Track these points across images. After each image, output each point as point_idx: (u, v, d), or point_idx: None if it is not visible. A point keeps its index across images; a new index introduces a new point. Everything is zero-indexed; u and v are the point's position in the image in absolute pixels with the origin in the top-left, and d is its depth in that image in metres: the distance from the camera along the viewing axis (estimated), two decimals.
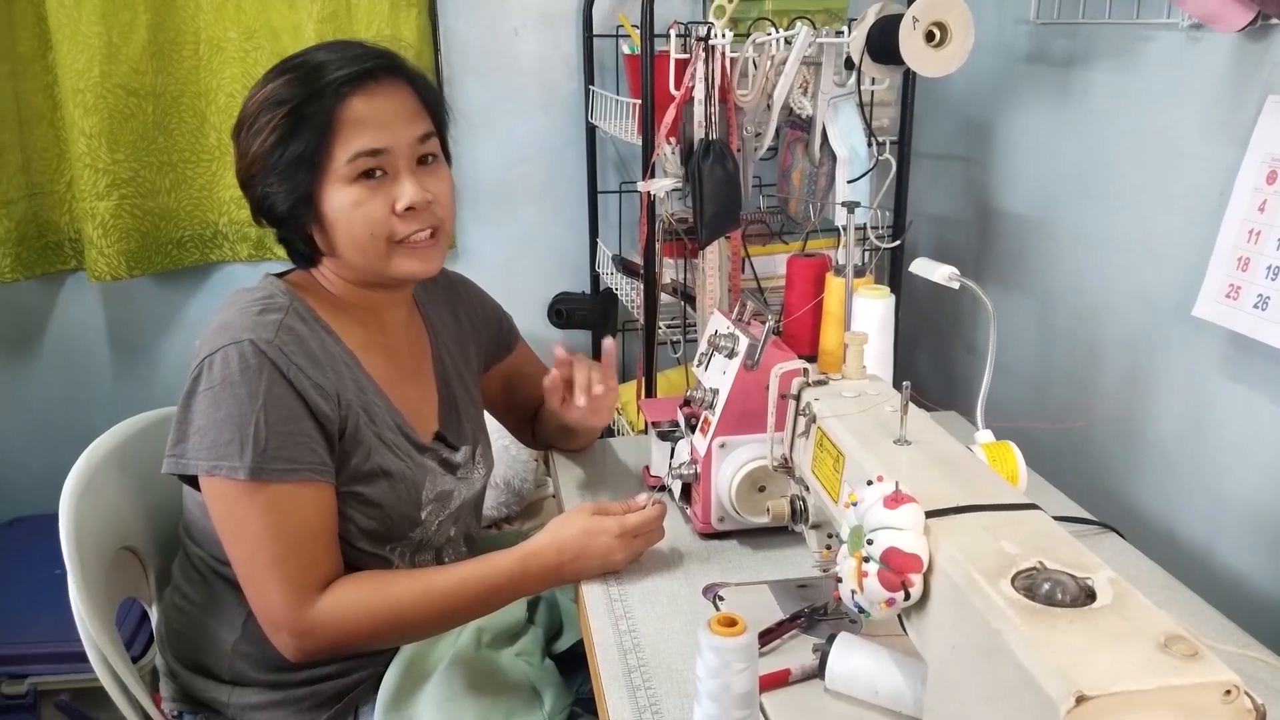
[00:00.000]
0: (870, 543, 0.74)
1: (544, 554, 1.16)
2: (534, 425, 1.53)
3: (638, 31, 1.67)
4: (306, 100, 1.10)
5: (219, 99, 2.04)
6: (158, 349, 2.20)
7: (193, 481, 1.11)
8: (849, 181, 1.64)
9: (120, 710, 1.18)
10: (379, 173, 1.12)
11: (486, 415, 1.45)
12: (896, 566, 0.73)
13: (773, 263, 1.83)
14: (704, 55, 1.54)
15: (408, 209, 1.13)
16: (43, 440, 2.17)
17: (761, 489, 1.24)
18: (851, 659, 0.97)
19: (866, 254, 1.63)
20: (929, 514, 0.76)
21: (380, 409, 1.18)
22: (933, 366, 2.08)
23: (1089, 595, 0.67)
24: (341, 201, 1.12)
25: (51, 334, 2.16)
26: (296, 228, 1.16)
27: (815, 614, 1.11)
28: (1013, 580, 0.69)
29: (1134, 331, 1.51)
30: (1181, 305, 1.39)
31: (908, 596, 0.73)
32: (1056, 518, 0.79)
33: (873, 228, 1.63)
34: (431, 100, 1.21)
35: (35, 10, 1.91)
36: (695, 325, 1.78)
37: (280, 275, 1.22)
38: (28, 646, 1.70)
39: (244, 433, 1.05)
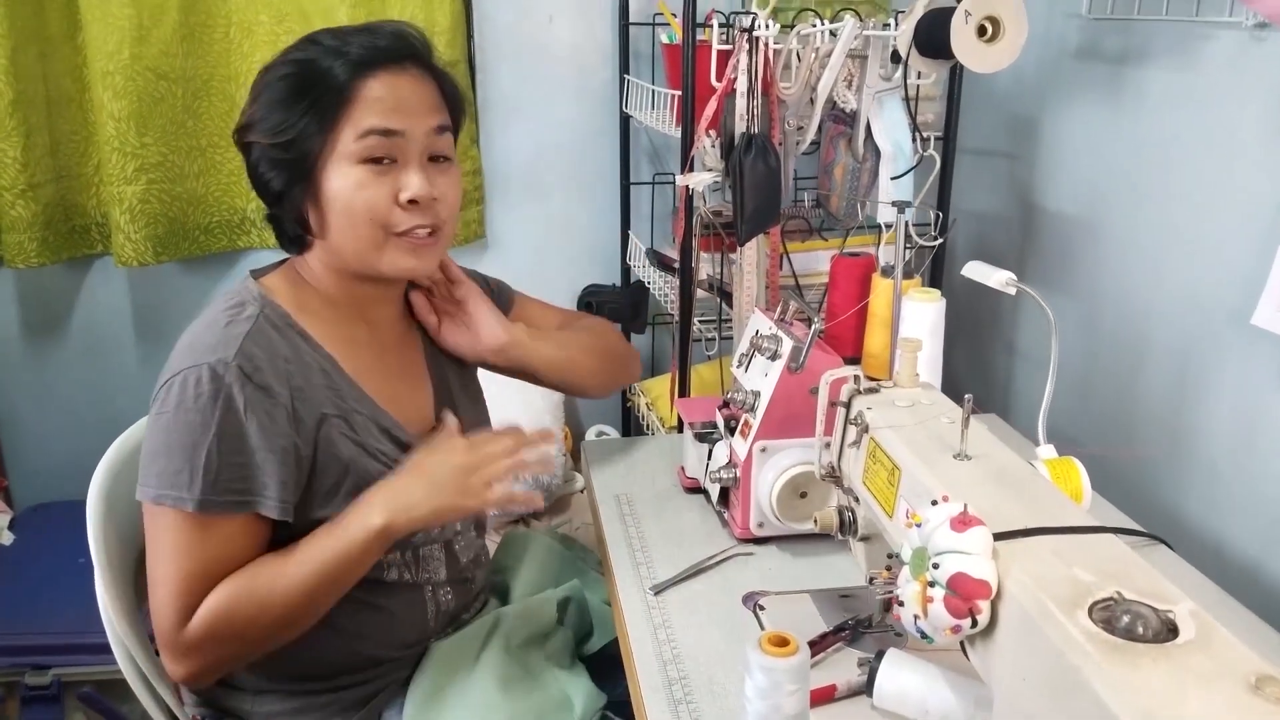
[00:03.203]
0: (936, 567, 0.71)
1: (392, 481, 1.09)
2: None
3: (678, 20, 1.63)
4: (326, 66, 1.06)
5: (249, 83, 1.99)
6: None
7: None
8: (893, 178, 1.60)
9: (143, 704, 1.17)
10: (387, 160, 1.08)
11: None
12: (964, 593, 0.69)
13: (812, 260, 1.79)
14: (747, 46, 1.50)
15: (411, 201, 1.08)
16: (67, 426, 2.16)
17: (803, 495, 1.21)
18: (901, 676, 0.94)
19: (909, 252, 1.59)
20: (996, 536, 0.73)
21: (362, 416, 1.12)
22: (971, 366, 2.04)
23: (1171, 630, 0.64)
24: (344, 181, 1.06)
25: (77, 319, 2.14)
26: (290, 205, 1.10)
27: (860, 626, 1.08)
28: (1090, 611, 0.65)
29: (1185, 337, 1.46)
30: (1236, 312, 1.35)
31: (974, 624, 0.70)
32: (1104, 528, 0.76)
33: (916, 225, 1.59)
34: (453, 97, 1.16)
35: None
36: (730, 322, 1.74)
37: (262, 273, 1.17)
38: (52, 637, 1.68)
39: (194, 463, 1.01)
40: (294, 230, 1.13)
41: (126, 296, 2.14)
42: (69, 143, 1.98)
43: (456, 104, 1.18)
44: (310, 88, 1.07)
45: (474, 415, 1.31)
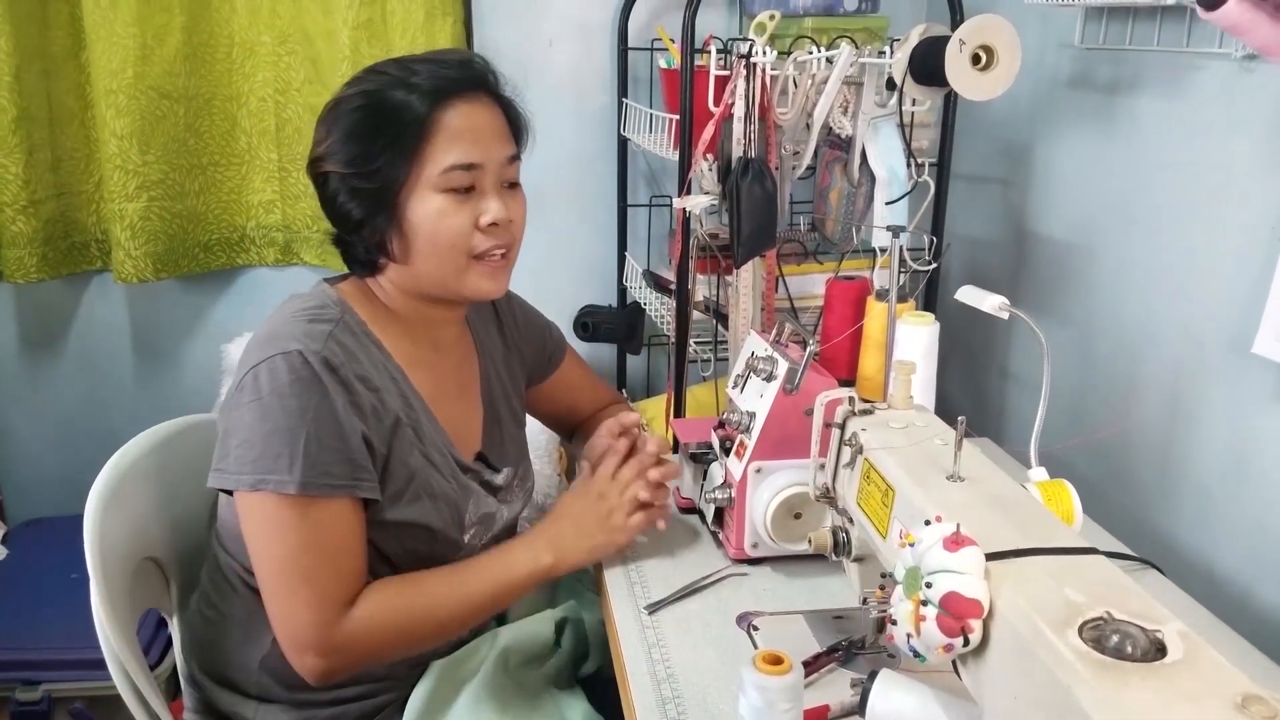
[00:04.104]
0: (929, 586, 0.72)
1: (549, 526, 1.22)
2: (574, 433, 1.53)
3: (676, 45, 1.65)
4: (401, 99, 1.10)
5: (250, 103, 2.03)
6: (182, 352, 2.18)
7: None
8: (888, 203, 1.61)
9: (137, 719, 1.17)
10: (469, 188, 1.12)
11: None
12: (956, 612, 0.70)
13: (807, 282, 1.81)
14: (745, 72, 1.52)
15: (491, 224, 1.13)
16: (63, 441, 2.16)
17: (798, 516, 1.22)
18: (894, 697, 0.94)
19: (903, 276, 1.61)
20: (988, 556, 0.74)
21: (428, 427, 1.17)
22: (964, 389, 2.05)
23: (1159, 649, 0.65)
24: (428, 209, 1.11)
25: (75, 335, 2.14)
26: (370, 231, 1.13)
27: (853, 647, 1.08)
28: (1080, 630, 0.66)
29: (1177, 364, 1.48)
30: (1229, 339, 1.36)
31: (966, 643, 0.71)
32: (1096, 550, 0.77)
33: (910, 250, 1.60)
34: (517, 124, 1.21)
35: (70, 10, 1.91)
36: (726, 343, 1.75)
37: (334, 282, 1.20)
38: (43, 652, 1.67)
39: (294, 447, 1.03)
40: (367, 255, 1.16)
41: (125, 313, 2.14)
42: (71, 159, 1.99)
43: (521, 131, 1.23)
44: (389, 120, 1.10)
45: (516, 442, 1.36)
